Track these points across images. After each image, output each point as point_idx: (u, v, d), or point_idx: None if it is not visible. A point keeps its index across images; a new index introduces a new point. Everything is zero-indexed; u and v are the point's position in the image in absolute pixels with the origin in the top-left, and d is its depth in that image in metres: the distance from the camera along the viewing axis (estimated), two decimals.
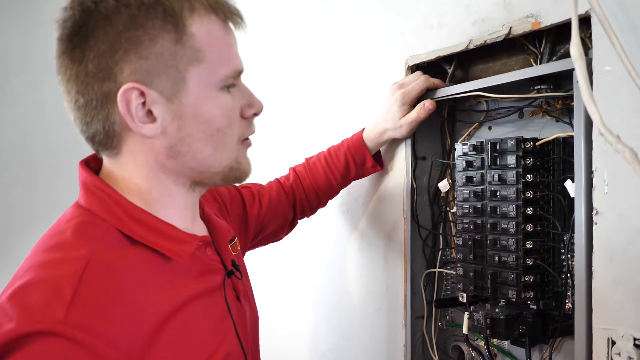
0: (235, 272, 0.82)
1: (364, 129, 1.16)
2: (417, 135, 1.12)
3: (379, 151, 1.17)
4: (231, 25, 0.74)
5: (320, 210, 1.22)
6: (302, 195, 1.16)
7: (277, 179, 1.18)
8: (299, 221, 1.21)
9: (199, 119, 0.71)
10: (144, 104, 0.68)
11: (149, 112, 0.69)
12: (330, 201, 1.22)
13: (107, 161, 0.75)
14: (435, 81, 1.07)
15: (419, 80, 1.07)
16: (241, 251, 0.97)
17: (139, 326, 0.65)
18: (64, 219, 0.72)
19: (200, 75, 0.70)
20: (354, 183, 1.23)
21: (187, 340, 0.70)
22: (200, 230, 0.81)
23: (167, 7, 0.68)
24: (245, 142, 0.78)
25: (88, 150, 0.77)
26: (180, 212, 0.76)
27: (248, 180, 0.82)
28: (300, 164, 1.20)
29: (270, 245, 1.20)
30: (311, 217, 1.23)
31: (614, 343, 0.75)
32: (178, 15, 0.68)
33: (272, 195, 1.12)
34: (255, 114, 0.78)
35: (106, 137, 0.71)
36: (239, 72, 0.75)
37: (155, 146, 0.71)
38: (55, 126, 1.95)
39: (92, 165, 0.76)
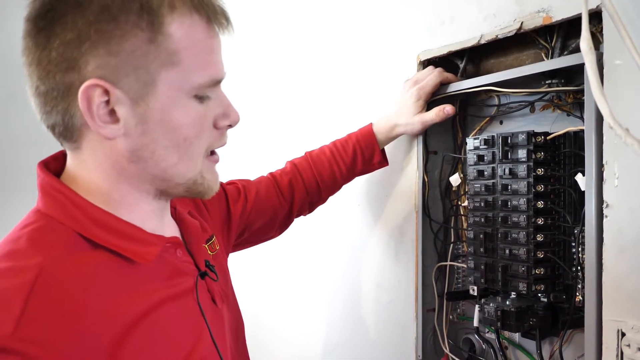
0: (210, 273, 0.78)
1: (371, 123, 1.15)
2: (428, 129, 1.12)
3: (384, 147, 1.16)
4: (216, 28, 0.69)
5: (331, 205, 1.22)
6: (301, 189, 1.12)
7: (271, 172, 1.14)
8: (304, 218, 1.19)
9: (166, 126, 0.66)
10: (107, 102, 0.63)
11: (112, 112, 0.64)
12: (341, 195, 1.22)
13: (69, 156, 0.70)
14: (449, 75, 1.08)
15: (433, 75, 1.07)
16: (224, 251, 0.94)
17: (99, 336, 0.61)
18: (20, 225, 0.67)
19: (172, 80, 0.65)
20: (365, 177, 1.23)
21: (157, 346, 0.67)
22: (170, 230, 0.77)
23: (145, 3, 0.63)
24: (212, 156, 0.74)
25: None
26: (145, 215, 0.71)
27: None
28: (300, 156, 1.16)
29: (282, 239, 1.20)
30: (322, 211, 1.23)
31: (623, 335, 0.76)
32: (155, 12, 0.63)
33: (261, 189, 1.07)
34: (230, 126, 0.73)
35: (65, 130, 0.66)
36: (217, 81, 0.70)
37: (116, 148, 0.66)
38: None
39: (52, 166, 0.72)
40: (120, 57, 0.63)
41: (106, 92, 0.63)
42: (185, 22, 0.65)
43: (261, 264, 1.67)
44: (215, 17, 0.68)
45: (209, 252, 0.82)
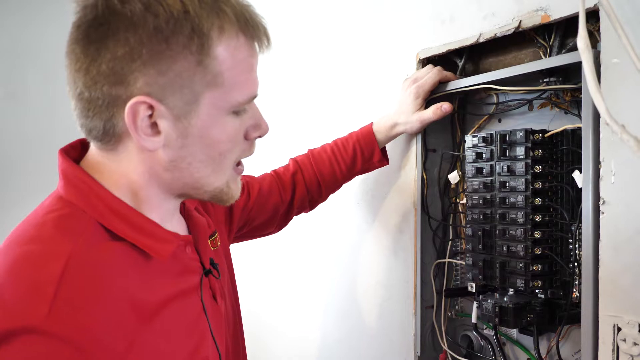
0: (213, 271, 0.81)
1: (372, 122, 1.16)
2: (427, 127, 1.13)
3: (384, 146, 1.17)
4: (256, 45, 0.71)
5: (331, 203, 1.23)
6: (302, 186, 1.14)
7: (274, 170, 1.16)
8: (305, 216, 1.20)
9: (204, 141, 0.69)
10: (150, 116, 0.66)
11: (154, 125, 0.66)
12: (341, 193, 1.23)
13: (98, 152, 0.71)
14: (448, 74, 1.09)
15: (432, 73, 1.08)
16: (225, 246, 0.95)
17: (121, 323, 0.63)
18: (43, 210, 0.69)
19: (214, 99, 0.68)
20: (364, 175, 1.24)
21: (167, 340, 0.69)
22: (180, 226, 0.80)
23: (196, 26, 0.64)
24: (237, 167, 0.76)
25: None
26: (164, 214, 0.74)
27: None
28: (302, 154, 1.18)
29: (282, 236, 1.21)
30: (322, 209, 1.23)
31: (619, 329, 0.77)
32: (206, 35, 0.65)
33: (264, 186, 1.10)
34: (260, 136, 0.76)
35: (104, 135, 0.68)
36: (253, 98, 0.72)
37: (154, 157, 0.69)
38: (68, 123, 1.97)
39: (71, 154, 0.73)
40: (168, 76, 0.65)
41: (151, 107, 0.65)
42: (231, 44, 0.67)
43: (261, 261, 1.68)
44: (258, 36, 0.70)
45: (212, 248, 0.84)
